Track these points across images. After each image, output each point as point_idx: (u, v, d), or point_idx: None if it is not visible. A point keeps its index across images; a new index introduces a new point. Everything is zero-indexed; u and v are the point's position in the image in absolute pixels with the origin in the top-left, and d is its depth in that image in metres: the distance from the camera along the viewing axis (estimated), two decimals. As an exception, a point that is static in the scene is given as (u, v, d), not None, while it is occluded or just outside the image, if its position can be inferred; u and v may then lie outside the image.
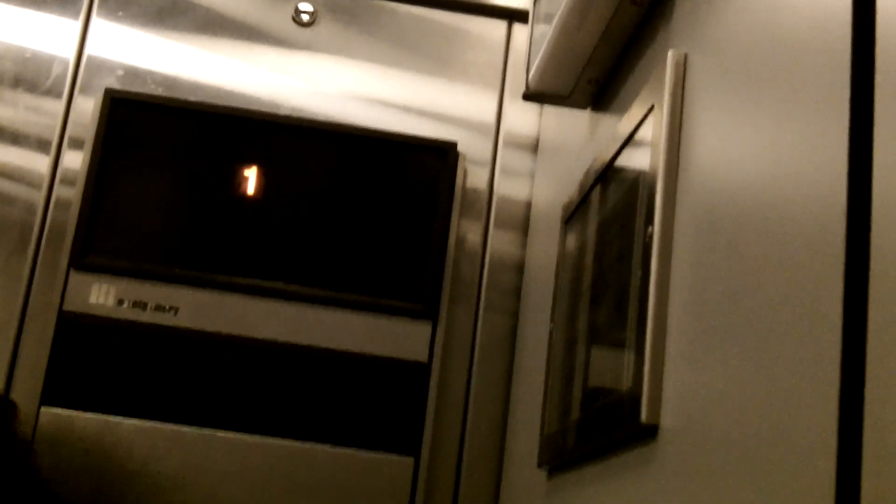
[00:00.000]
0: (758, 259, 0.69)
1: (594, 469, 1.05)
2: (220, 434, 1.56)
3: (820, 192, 0.60)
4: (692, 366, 0.80)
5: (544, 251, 1.53)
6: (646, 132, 0.98)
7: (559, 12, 1.19)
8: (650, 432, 0.86)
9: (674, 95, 0.93)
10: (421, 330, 1.63)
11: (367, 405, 1.60)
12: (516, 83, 1.75)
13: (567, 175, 1.40)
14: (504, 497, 1.58)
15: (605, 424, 0.99)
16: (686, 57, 0.94)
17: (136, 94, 1.67)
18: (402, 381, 1.61)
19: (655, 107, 0.96)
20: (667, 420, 0.83)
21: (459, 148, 1.70)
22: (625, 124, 1.07)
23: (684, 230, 0.87)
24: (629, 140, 1.05)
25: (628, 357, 0.92)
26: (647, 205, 0.94)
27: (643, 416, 0.85)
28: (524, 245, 1.73)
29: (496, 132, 1.77)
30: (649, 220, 0.92)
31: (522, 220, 1.74)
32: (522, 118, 1.78)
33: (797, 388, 0.60)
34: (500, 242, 1.73)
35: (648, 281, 0.89)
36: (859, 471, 0.52)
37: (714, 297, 0.77)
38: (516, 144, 1.77)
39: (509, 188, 1.75)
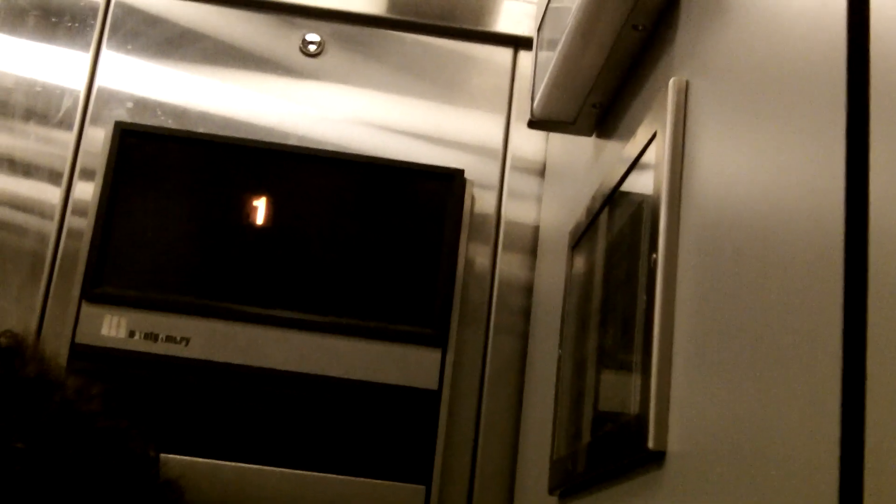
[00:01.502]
0: (760, 282, 0.70)
1: (603, 494, 1.05)
2: (232, 465, 1.57)
3: (818, 214, 0.61)
4: (698, 391, 0.80)
5: (553, 275, 1.53)
6: (649, 158, 0.99)
7: (562, 39, 1.20)
8: (657, 458, 0.86)
9: (676, 121, 0.93)
10: (430, 357, 1.63)
11: (377, 434, 1.60)
12: (522, 109, 1.76)
13: (574, 199, 1.41)
14: (516, 523, 1.58)
15: (613, 450, 0.99)
16: (688, 83, 0.94)
17: (146, 126, 1.69)
18: (413, 408, 1.61)
19: (658, 133, 0.96)
20: (674, 445, 0.84)
21: (467, 174, 1.71)
22: (629, 150, 1.08)
23: (688, 255, 0.87)
24: (633, 166, 1.05)
25: (635, 382, 0.92)
26: (651, 230, 0.94)
27: (650, 442, 0.85)
28: (533, 269, 1.73)
29: (503, 157, 1.78)
30: (653, 245, 0.92)
31: (531, 244, 1.74)
32: (529, 143, 1.78)
33: (800, 413, 0.60)
34: (509, 266, 1.73)
35: (653, 306, 0.89)
36: (861, 493, 0.53)
37: (718, 321, 0.77)
38: (523, 169, 1.78)
39: (517, 212, 1.76)
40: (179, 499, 1.26)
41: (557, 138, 1.70)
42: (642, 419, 0.88)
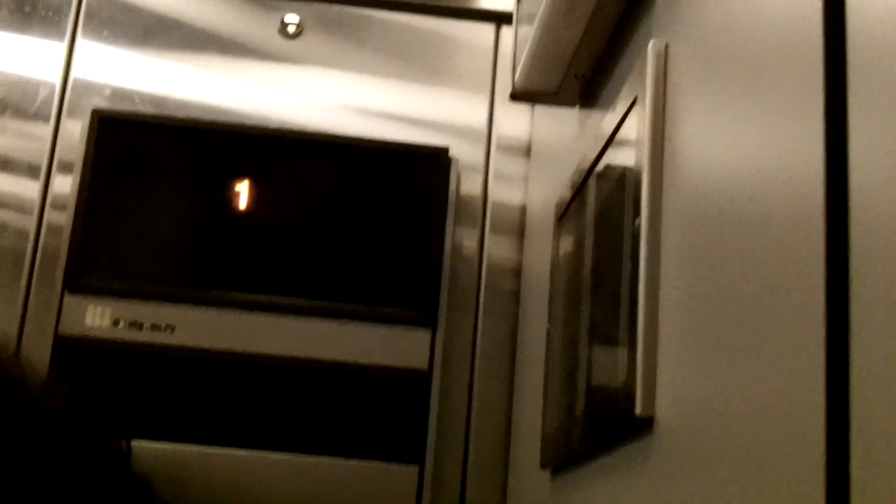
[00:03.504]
0: (743, 250, 0.69)
1: (595, 466, 1.04)
2: (221, 451, 1.55)
3: (800, 179, 0.60)
4: (685, 357, 0.79)
5: (541, 253, 1.52)
6: (631, 124, 0.98)
7: (541, 9, 1.18)
8: (646, 425, 0.85)
9: (656, 85, 0.92)
10: (420, 337, 1.62)
11: (369, 415, 1.59)
12: (506, 87, 1.74)
13: (560, 175, 1.40)
14: (511, 500, 1.57)
15: (603, 420, 0.98)
16: (667, 46, 0.93)
17: (124, 112, 1.67)
18: (404, 389, 1.60)
19: (638, 98, 0.95)
20: (662, 412, 0.83)
21: (452, 153, 1.69)
22: (611, 118, 1.07)
23: (672, 219, 0.86)
24: (615, 133, 1.04)
25: (622, 351, 0.91)
26: (634, 197, 0.93)
27: (638, 409, 0.84)
28: (521, 249, 1.72)
29: (488, 137, 1.77)
30: (637, 211, 0.91)
31: (518, 224, 1.73)
32: (514, 122, 1.77)
33: (786, 377, 0.60)
34: (497, 247, 1.72)
35: (638, 272, 0.88)
36: (848, 456, 0.52)
37: (704, 289, 0.76)
38: (509, 148, 1.76)
39: (503, 192, 1.74)
40: (147, 492, 1.25)
41: (542, 116, 1.69)
42: (629, 387, 0.87)
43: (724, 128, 0.76)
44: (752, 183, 0.68)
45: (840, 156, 0.55)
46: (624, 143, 1.01)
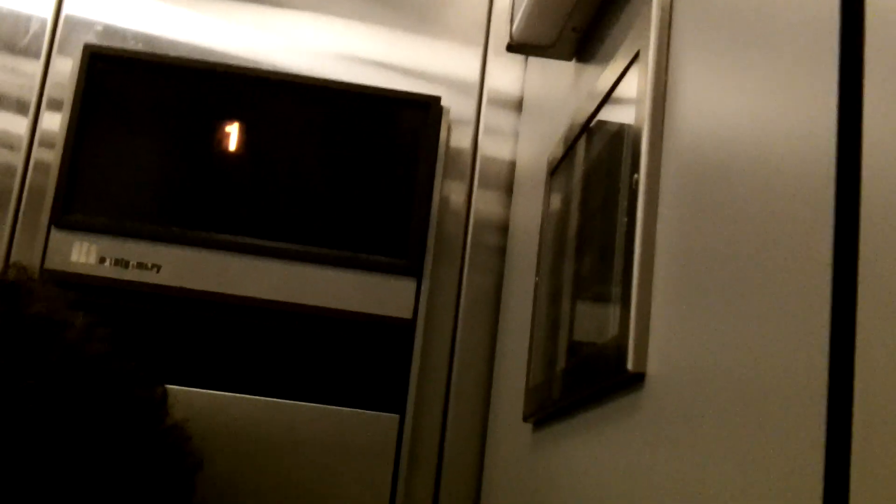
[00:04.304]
0: (746, 205, 0.68)
1: (579, 420, 1.04)
2: (203, 392, 1.56)
3: (809, 142, 0.60)
4: (679, 313, 0.79)
5: (529, 207, 1.52)
6: (631, 79, 0.97)
7: (543, -39, 1.17)
8: (637, 380, 0.85)
9: (659, 41, 0.92)
10: (405, 286, 1.62)
11: (351, 362, 1.59)
12: (500, 39, 1.73)
13: (551, 130, 1.39)
14: (490, 452, 1.58)
15: (591, 374, 0.99)
16: (672, 0, 0.92)
17: (116, 49, 1.65)
18: (387, 338, 1.61)
19: (641, 52, 0.95)
20: (654, 368, 0.83)
21: (443, 104, 1.69)
22: (609, 73, 1.06)
23: (671, 176, 0.86)
24: (615, 87, 1.04)
25: (614, 305, 0.91)
26: (632, 153, 0.93)
27: (629, 364, 0.85)
28: (508, 204, 1.72)
29: (480, 89, 1.76)
30: (635, 167, 0.91)
31: (506, 178, 1.73)
32: (506, 75, 1.76)
33: (785, 334, 0.60)
34: (484, 200, 1.72)
35: (634, 227, 0.88)
36: (850, 413, 0.52)
37: (701, 244, 0.76)
38: (500, 102, 1.76)
39: (493, 146, 1.74)
40: (185, 443, 1.26)
41: (535, 70, 1.68)
42: (621, 341, 0.87)
43: (729, 86, 0.76)
44: (758, 143, 0.68)
45: (853, 118, 0.54)
46: (623, 99, 1.01)
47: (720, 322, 0.70)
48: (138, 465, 1.17)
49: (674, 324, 0.80)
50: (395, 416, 1.59)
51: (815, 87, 0.60)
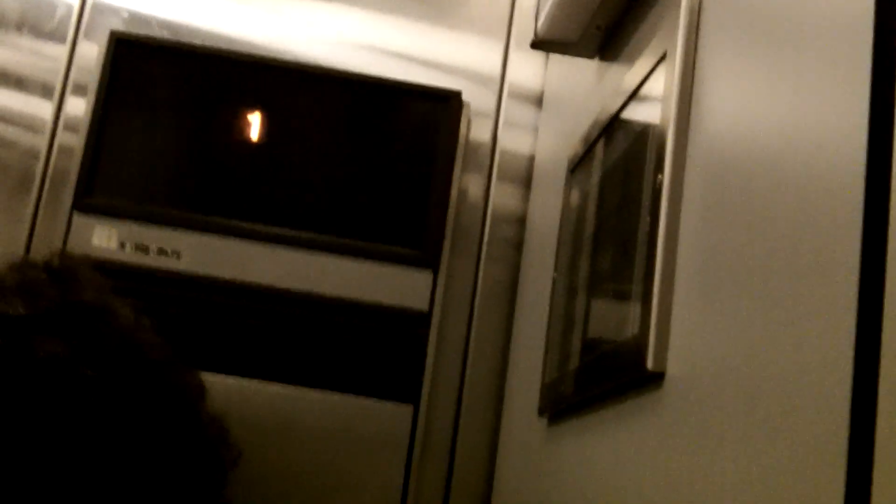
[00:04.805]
0: (771, 206, 0.69)
1: (596, 416, 1.05)
2: (221, 378, 1.56)
3: (838, 142, 0.60)
4: (700, 313, 0.80)
5: (548, 203, 1.52)
6: (657, 79, 0.98)
7: (570, -41, 1.18)
8: (656, 379, 0.86)
9: (687, 41, 0.92)
10: (422, 278, 1.62)
11: (367, 352, 1.60)
12: (522, 34, 1.74)
13: (573, 126, 1.40)
14: (503, 445, 1.59)
15: (609, 372, 0.99)
16: (700, 1, 0.93)
17: (142, 36, 1.66)
18: (403, 328, 1.62)
19: (668, 53, 0.95)
20: (674, 367, 0.83)
21: (463, 98, 1.69)
22: (636, 71, 1.07)
23: (695, 177, 0.87)
24: (640, 87, 1.04)
25: (634, 304, 0.92)
26: (657, 152, 0.93)
27: (649, 363, 0.85)
28: (526, 199, 1.72)
29: (501, 83, 1.76)
30: (659, 167, 0.91)
31: (525, 173, 1.73)
32: (527, 70, 1.76)
33: (808, 336, 0.60)
34: (503, 194, 1.72)
35: (657, 227, 0.89)
36: (874, 414, 0.52)
37: (724, 245, 0.77)
38: (521, 96, 1.76)
39: (513, 140, 1.74)
40: (226, 434, 1.27)
41: (556, 66, 1.68)
42: (641, 340, 0.87)
43: (756, 89, 0.76)
44: (785, 145, 0.68)
45: (885, 124, 0.55)
46: (648, 98, 1.01)
47: (742, 323, 0.70)
48: (180, 454, 1.18)
49: (695, 324, 0.80)
50: (409, 407, 1.60)
51: (846, 89, 0.60)
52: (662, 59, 0.96)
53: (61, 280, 1.18)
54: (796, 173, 0.65)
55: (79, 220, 1.58)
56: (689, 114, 0.90)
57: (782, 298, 0.64)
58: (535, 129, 1.74)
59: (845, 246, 0.56)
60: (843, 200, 0.58)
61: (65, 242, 1.57)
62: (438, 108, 1.68)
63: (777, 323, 0.64)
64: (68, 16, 1.68)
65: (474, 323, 1.66)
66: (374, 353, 1.60)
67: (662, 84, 0.95)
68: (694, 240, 0.84)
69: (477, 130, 1.73)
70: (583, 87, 1.42)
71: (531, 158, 1.73)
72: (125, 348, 1.16)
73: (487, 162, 1.73)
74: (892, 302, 0.52)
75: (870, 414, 0.52)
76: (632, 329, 0.92)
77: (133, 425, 1.12)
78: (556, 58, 1.67)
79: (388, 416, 1.59)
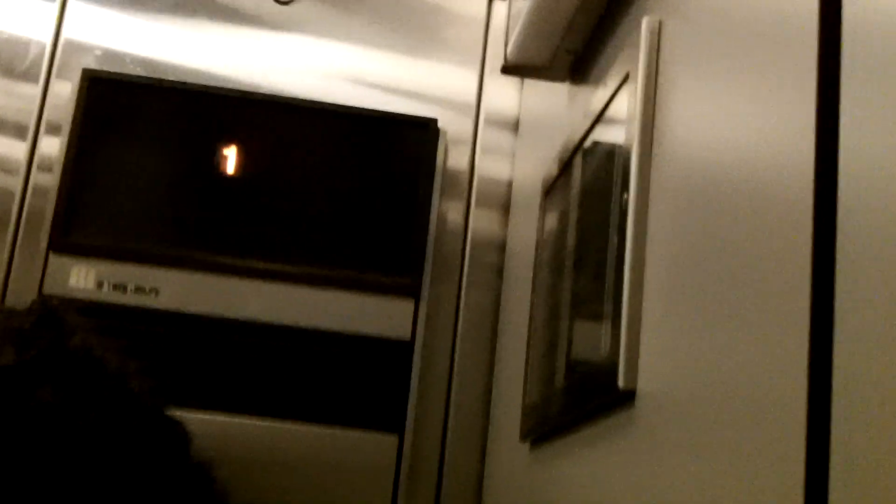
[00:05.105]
0: (731, 226, 0.69)
1: (574, 438, 1.05)
2: (202, 415, 1.56)
3: (790, 160, 0.61)
4: (669, 331, 0.80)
5: (526, 227, 1.53)
6: (622, 99, 0.98)
7: (535, -16, 1.18)
8: (628, 398, 0.86)
9: (648, 63, 0.93)
10: (404, 307, 1.62)
11: (351, 383, 1.60)
12: (496, 61, 1.74)
13: (547, 150, 1.40)
14: (489, 471, 1.58)
15: (584, 393, 0.99)
16: (661, 24, 0.93)
17: (115, 73, 1.66)
18: (386, 358, 1.61)
19: (630, 74, 0.96)
20: (644, 385, 0.83)
21: (440, 125, 1.70)
22: (601, 94, 1.07)
23: (660, 195, 0.87)
24: (605, 109, 1.04)
25: (606, 324, 0.92)
26: (622, 172, 0.94)
27: (620, 381, 0.85)
28: (506, 223, 1.72)
29: (477, 110, 1.77)
30: (625, 186, 0.92)
31: (503, 198, 1.73)
32: (503, 95, 1.77)
33: (769, 352, 0.61)
34: (482, 220, 1.72)
35: (625, 248, 0.89)
36: (829, 430, 0.53)
37: (690, 264, 0.77)
38: (497, 122, 1.76)
39: (490, 166, 1.75)
40: (210, 483, 1.27)
41: (531, 91, 1.69)
42: (612, 359, 0.87)
43: (715, 107, 0.76)
44: (742, 161, 0.69)
45: (831, 137, 0.56)
46: (614, 119, 1.02)
47: (708, 340, 0.71)
48: (168, 500, 1.18)
49: (664, 342, 0.81)
50: (395, 437, 1.59)
51: (796, 106, 0.61)
52: (625, 80, 0.97)
53: (48, 327, 1.19)
54: (751, 191, 0.66)
55: (55, 260, 1.57)
56: (652, 133, 0.90)
57: (743, 314, 0.65)
58: (513, 154, 1.75)
59: (799, 261, 0.57)
60: (795, 215, 0.59)
61: (41, 283, 1.56)
62: (415, 136, 1.68)
63: (739, 337, 0.65)
64: (41, 55, 1.68)
65: (458, 350, 1.66)
66: (357, 384, 1.60)
67: (626, 105, 0.96)
68: (661, 259, 0.84)
69: (455, 157, 1.73)
70: (556, 111, 1.42)
71: (510, 183, 1.73)
72: (114, 396, 1.16)
73: (466, 188, 1.73)
74: (843, 314, 0.53)
75: (825, 422, 0.53)
76: (604, 349, 0.92)
77: (123, 472, 1.12)
78: (530, 82, 1.68)
79: (374, 446, 1.58)
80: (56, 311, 1.22)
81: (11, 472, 1.05)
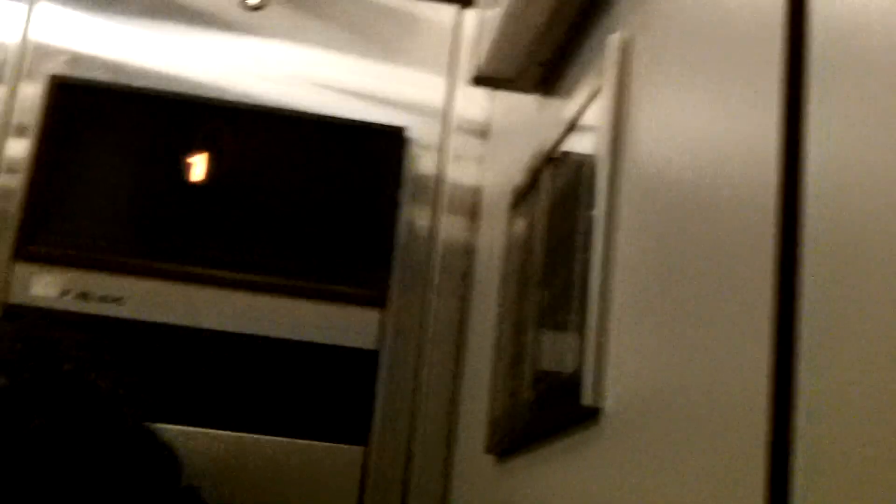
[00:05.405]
0: (696, 242, 0.69)
1: (540, 453, 1.04)
2: (167, 427, 1.54)
3: (753, 171, 0.61)
4: (634, 348, 0.80)
5: (494, 235, 1.52)
6: (591, 113, 0.98)
7: (506, -5, 1.18)
8: (592, 414, 0.85)
9: (618, 77, 0.92)
10: (370, 317, 1.61)
11: (316, 395, 1.58)
12: (466, 68, 1.74)
13: (517, 159, 1.40)
14: (454, 484, 1.57)
15: (550, 408, 0.99)
16: (630, 39, 0.93)
17: (81, 79, 1.64)
18: (352, 369, 1.60)
19: (600, 88, 0.95)
20: (609, 402, 0.83)
21: (409, 133, 1.69)
22: (571, 107, 1.07)
23: (627, 212, 0.87)
24: (575, 121, 1.04)
25: (572, 340, 0.92)
26: (591, 184, 0.93)
27: (585, 398, 0.85)
28: (474, 230, 1.72)
29: (446, 118, 1.76)
30: (592, 201, 0.91)
31: (472, 206, 1.72)
32: (472, 103, 1.76)
33: (733, 368, 0.61)
34: (451, 229, 1.72)
35: (591, 263, 0.88)
36: (790, 447, 0.53)
37: (655, 281, 0.77)
38: (466, 130, 1.76)
39: (459, 173, 1.74)
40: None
41: (501, 99, 1.68)
42: (577, 376, 0.87)
43: (682, 120, 0.76)
44: (707, 174, 0.69)
45: (794, 149, 0.56)
46: (583, 131, 1.01)
47: (673, 357, 0.70)
48: None
49: (630, 359, 0.80)
50: (360, 449, 1.58)
51: (761, 121, 0.61)
52: (596, 93, 0.97)
53: (39, 351, 1.19)
54: (716, 205, 0.67)
55: (19, 269, 1.55)
56: (620, 146, 0.90)
57: (706, 329, 0.65)
58: (481, 161, 1.74)
59: (760, 275, 0.57)
60: (758, 231, 0.59)
61: (4, 291, 1.54)
62: (384, 144, 1.68)
63: (702, 354, 0.65)
64: (8, 60, 1.66)
65: (424, 360, 1.65)
66: (323, 395, 1.58)
67: (595, 118, 0.95)
68: (627, 274, 0.84)
69: (423, 164, 1.72)
70: (526, 120, 1.42)
71: (478, 190, 1.73)
72: (107, 422, 1.17)
73: (434, 195, 1.72)
74: (804, 332, 0.53)
75: (785, 439, 0.53)
76: (569, 365, 0.91)
77: (115, 496, 1.12)
78: (500, 91, 1.67)
79: (340, 459, 1.57)
80: (46, 336, 1.23)
81: (7, 496, 1.05)
